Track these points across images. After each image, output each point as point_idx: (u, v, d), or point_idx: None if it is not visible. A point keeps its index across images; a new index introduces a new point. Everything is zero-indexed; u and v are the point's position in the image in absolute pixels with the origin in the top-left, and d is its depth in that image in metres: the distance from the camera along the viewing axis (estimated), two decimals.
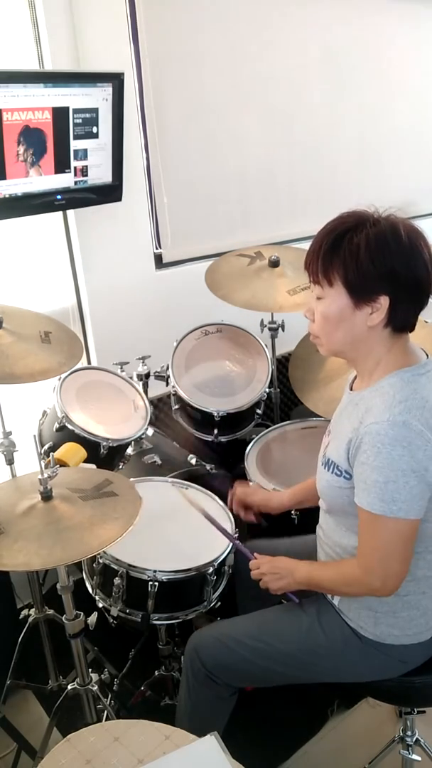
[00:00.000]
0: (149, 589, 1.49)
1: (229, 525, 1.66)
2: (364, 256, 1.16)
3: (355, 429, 1.23)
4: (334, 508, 1.36)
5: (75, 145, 2.00)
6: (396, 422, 1.15)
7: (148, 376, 2.13)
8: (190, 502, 1.62)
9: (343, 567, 1.32)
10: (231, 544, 1.59)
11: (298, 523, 1.75)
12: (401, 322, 1.22)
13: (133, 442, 1.93)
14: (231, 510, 1.72)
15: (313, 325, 1.29)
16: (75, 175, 2.04)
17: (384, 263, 1.16)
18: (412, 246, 1.17)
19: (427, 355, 1.29)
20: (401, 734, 1.66)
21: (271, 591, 1.43)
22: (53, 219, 2.20)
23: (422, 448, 1.14)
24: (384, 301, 1.18)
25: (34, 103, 1.83)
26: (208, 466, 2.03)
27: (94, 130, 2.03)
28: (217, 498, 1.77)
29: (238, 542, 1.54)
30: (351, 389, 1.37)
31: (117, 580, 1.52)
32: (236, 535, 1.62)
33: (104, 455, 1.76)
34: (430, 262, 1.19)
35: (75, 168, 2.03)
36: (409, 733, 1.65)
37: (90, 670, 1.55)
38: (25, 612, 1.93)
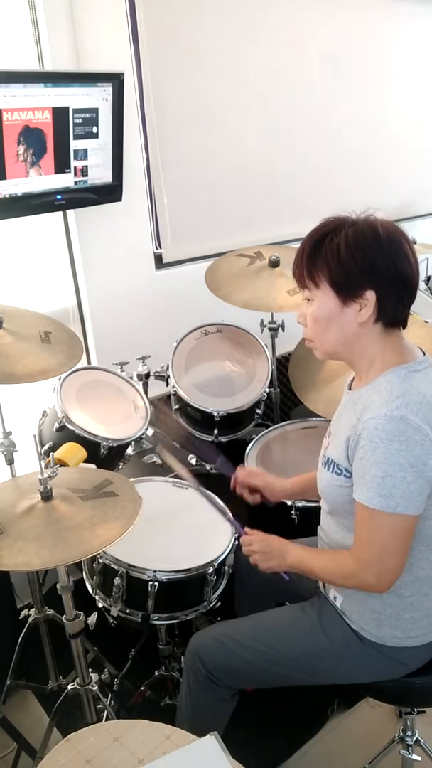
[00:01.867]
0: (149, 589, 1.49)
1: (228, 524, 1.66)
2: (345, 253, 1.19)
3: (353, 426, 1.23)
4: (336, 508, 1.35)
5: (75, 145, 2.00)
6: (393, 417, 1.15)
7: (148, 376, 2.13)
8: (184, 477, 1.61)
9: (337, 558, 1.32)
10: (230, 545, 1.59)
11: (298, 523, 1.75)
12: (391, 316, 1.24)
13: (133, 442, 1.93)
14: (234, 491, 1.70)
15: (306, 330, 1.31)
16: (75, 175, 2.04)
17: (365, 258, 1.19)
18: (391, 240, 1.20)
19: (424, 353, 1.29)
20: (401, 734, 1.66)
21: (260, 569, 1.42)
22: (53, 219, 2.20)
23: (420, 443, 1.15)
24: (370, 296, 1.21)
25: (34, 103, 1.83)
26: (208, 466, 2.03)
27: (94, 130, 2.03)
28: (216, 497, 1.77)
29: (230, 516, 1.53)
30: (350, 389, 1.38)
31: (117, 580, 1.52)
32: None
33: (104, 455, 1.76)
34: (411, 255, 1.22)
35: (75, 168, 2.03)
36: (409, 733, 1.65)
37: (90, 670, 1.55)
38: (25, 612, 1.93)
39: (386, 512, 1.17)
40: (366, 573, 1.24)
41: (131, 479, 1.61)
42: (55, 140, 1.93)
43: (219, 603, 1.62)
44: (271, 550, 1.41)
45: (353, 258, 1.19)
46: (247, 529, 1.48)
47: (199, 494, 1.56)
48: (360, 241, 1.19)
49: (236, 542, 1.62)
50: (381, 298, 1.21)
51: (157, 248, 2.49)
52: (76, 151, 2.01)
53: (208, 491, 1.56)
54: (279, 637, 1.41)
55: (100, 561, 1.54)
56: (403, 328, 1.28)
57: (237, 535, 1.58)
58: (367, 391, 1.26)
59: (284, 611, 1.49)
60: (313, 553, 1.40)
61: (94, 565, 1.58)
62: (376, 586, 1.25)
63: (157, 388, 2.24)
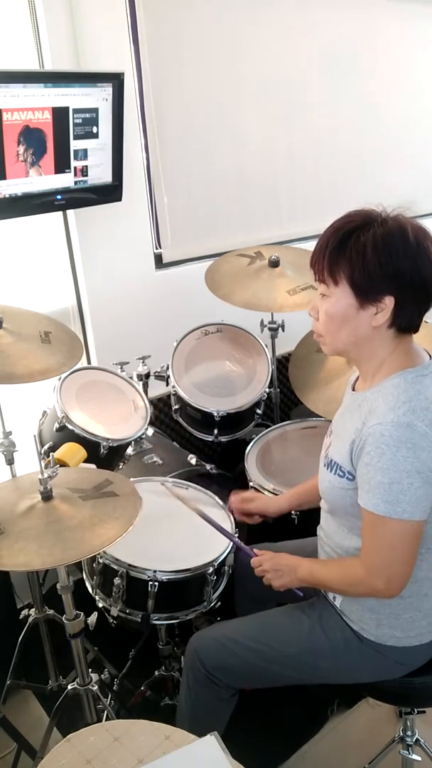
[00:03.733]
0: (149, 589, 1.49)
1: (228, 525, 1.66)
2: (371, 255, 1.15)
3: (358, 430, 1.22)
4: (337, 509, 1.35)
5: (75, 145, 2.00)
6: (400, 423, 1.14)
7: (148, 376, 2.13)
8: (186, 503, 1.62)
9: (346, 567, 1.32)
10: (231, 544, 1.59)
11: (298, 523, 1.75)
12: (406, 322, 1.22)
13: (133, 442, 1.93)
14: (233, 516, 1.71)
15: (317, 324, 1.28)
16: (75, 175, 2.04)
17: (390, 263, 1.15)
18: (419, 246, 1.16)
19: (431, 356, 1.28)
20: (401, 734, 1.66)
21: (273, 587, 1.42)
22: (53, 219, 2.20)
23: (427, 450, 1.14)
24: (389, 302, 1.18)
25: (34, 103, 1.83)
26: (208, 466, 2.03)
27: (94, 130, 2.03)
28: (216, 498, 1.77)
29: (238, 541, 1.54)
30: (353, 389, 1.37)
31: (117, 580, 1.52)
32: (236, 533, 1.62)
33: (104, 455, 1.76)
34: None
35: (75, 168, 2.03)
36: (409, 733, 1.65)
37: (90, 670, 1.55)
38: (25, 612, 1.93)
39: (393, 518, 1.16)
40: (375, 579, 1.23)
41: (131, 479, 1.61)
42: (55, 140, 1.93)
43: (219, 603, 1.62)
44: (281, 568, 1.41)
45: (378, 261, 1.15)
46: (256, 551, 1.48)
47: (206, 522, 1.55)
48: (388, 244, 1.15)
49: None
50: (399, 305, 1.18)
51: (157, 248, 2.49)
52: (76, 151, 2.01)
53: (214, 519, 1.55)
54: (278, 636, 1.41)
55: (100, 561, 1.54)
56: (415, 333, 1.26)
57: (235, 547, 1.57)
58: (372, 394, 1.25)
59: (284, 611, 1.49)
60: (322, 564, 1.40)
61: (94, 565, 1.58)
62: (384, 592, 1.24)
63: (157, 388, 2.24)
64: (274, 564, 1.42)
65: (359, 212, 1.21)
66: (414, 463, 1.14)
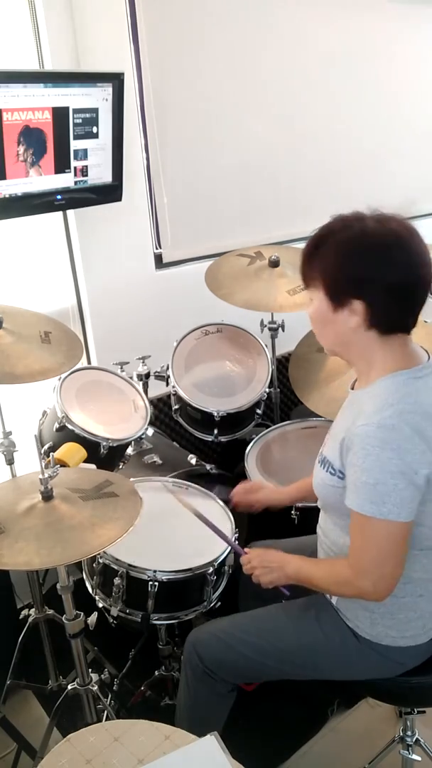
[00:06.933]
0: (149, 589, 1.49)
1: (228, 525, 1.66)
2: (333, 260, 1.19)
3: (347, 429, 1.24)
4: (328, 506, 1.37)
5: (75, 145, 2.00)
6: (385, 425, 1.15)
7: (148, 376, 2.13)
8: (181, 502, 1.62)
9: (335, 566, 1.32)
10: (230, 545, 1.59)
11: (298, 523, 1.75)
12: (387, 324, 1.22)
13: (133, 442, 1.93)
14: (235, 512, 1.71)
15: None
16: (75, 175, 2.04)
17: (352, 269, 1.18)
18: (380, 249, 1.16)
19: (429, 356, 1.28)
20: (401, 734, 1.67)
21: (262, 584, 1.42)
22: (53, 219, 2.20)
23: (411, 452, 1.15)
24: (358, 306, 1.19)
25: (34, 103, 1.83)
26: (208, 466, 2.03)
27: (94, 130, 2.03)
28: (216, 498, 1.77)
29: (231, 539, 1.54)
30: (352, 388, 1.38)
31: (117, 580, 1.52)
32: (236, 534, 1.62)
33: (104, 455, 1.76)
34: (409, 261, 1.17)
35: (75, 168, 2.03)
36: (409, 733, 1.65)
37: (90, 670, 1.55)
38: (25, 612, 1.93)
39: (379, 519, 1.17)
40: (362, 580, 1.23)
41: (131, 479, 1.61)
42: (55, 140, 1.93)
43: (219, 603, 1.62)
44: (270, 564, 1.41)
45: (341, 267, 1.18)
46: (246, 549, 1.49)
47: (199, 519, 1.55)
48: (347, 250, 1.18)
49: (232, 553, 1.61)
50: (371, 307, 1.19)
51: (157, 248, 2.49)
52: (76, 151, 2.01)
53: (207, 518, 1.55)
54: (276, 632, 1.42)
55: (100, 561, 1.54)
56: (408, 333, 1.25)
57: (236, 554, 1.57)
58: (364, 395, 1.26)
59: (282, 607, 1.50)
60: (311, 563, 1.40)
61: (94, 565, 1.58)
62: (372, 594, 1.24)
63: (157, 388, 2.24)
64: (262, 560, 1.42)
65: (340, 217, 1.24)
66: (399, 465, 1.14)
